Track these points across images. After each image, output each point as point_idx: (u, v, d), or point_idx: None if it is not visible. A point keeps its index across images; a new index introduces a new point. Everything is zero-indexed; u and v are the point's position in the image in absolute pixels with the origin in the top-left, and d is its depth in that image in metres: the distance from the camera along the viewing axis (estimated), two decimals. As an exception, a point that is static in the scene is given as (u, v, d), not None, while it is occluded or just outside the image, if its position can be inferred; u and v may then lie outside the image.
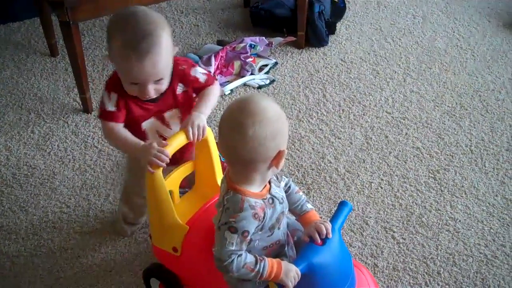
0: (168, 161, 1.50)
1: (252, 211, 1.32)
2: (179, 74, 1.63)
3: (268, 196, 1.38)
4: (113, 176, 2.22)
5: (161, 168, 1.53)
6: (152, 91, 1.56)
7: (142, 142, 1.57)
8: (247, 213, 1.32)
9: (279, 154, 1.32)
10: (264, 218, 1.35)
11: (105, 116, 1.61)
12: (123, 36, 1.48)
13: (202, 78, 1.67)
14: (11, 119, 2.51)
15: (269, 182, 1.41)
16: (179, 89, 1.64)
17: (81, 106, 2.54)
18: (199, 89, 1.68)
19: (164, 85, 1.58)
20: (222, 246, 1.33)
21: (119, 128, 1.62)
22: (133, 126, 1.64)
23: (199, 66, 1.75)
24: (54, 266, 1.92)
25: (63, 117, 2.51)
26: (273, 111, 1.30)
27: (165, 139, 1.59)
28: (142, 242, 1.97)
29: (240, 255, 1.33)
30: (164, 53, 1.50)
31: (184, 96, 1.66)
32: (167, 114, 1.66)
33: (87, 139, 2.39)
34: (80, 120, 2.49)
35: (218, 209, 1.39)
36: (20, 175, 2.24)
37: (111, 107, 1.60)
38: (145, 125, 1.66)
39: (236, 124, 1.29)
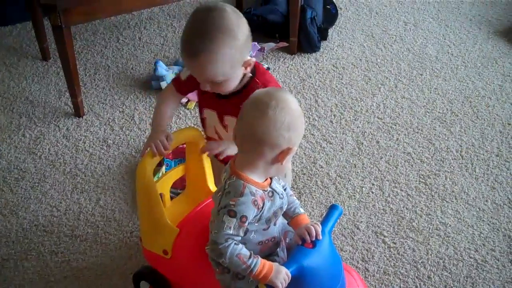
0: (164, 154, 1.54)
1: (252, 197, 1.34)
2: (251, 90, 1.51)
3: (269, 189, 1.40)
4: (104, 180, 2.22)
5: (155, 160, 1.54)
6: (208, 87, 1.53)
7: (163, 127, 1.59)
8: (247, 198, 1.33)
9: (288, 150, 1.34)
10: (263, 207, 1.37)
11: (174, 79, 1.67)
12: (187, 27, 1.48)
13: None
14: (2, 122, 2.50)
15: (271, 178, 1.42)
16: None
17: (73, 110, 2.54)
18: None
19: (224, 88, 1.53)
20: (220, 229, 1.34)
21: (171, 97, 1.65)
22: (199, 108, 1.68)
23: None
24: (44, 270, 1.91)
25: (55, 121, 2.50)
26: (297, 107, 1.35)
27: (221, 138, 1.64)
28: (132, 245, 1.97)
29: (236, 243, 1.34)
30: (216, 60, 1.44)
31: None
32: (226, 118, 1.63)
33: (78, 143, 2.39)
34: (72, 124, 2.49)
35: (216, 198, 1.40)
36: (10, 179, 2.23)
37: (183, 76, 1.63)
38: (206, 113, 1.66)
39: (260, 102, 1.33)
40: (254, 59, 1.55)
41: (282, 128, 1.31)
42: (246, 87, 1.57)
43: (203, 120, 1.68)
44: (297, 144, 1.37)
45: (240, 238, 1.36)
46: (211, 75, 1.48)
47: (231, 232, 1.33)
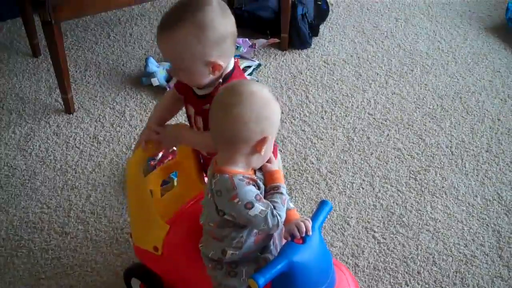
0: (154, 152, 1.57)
1: (243, 182, 1.33)
2: (214, 94, 1.45)
3: (255, 177, 1.39)
4: (95, 176, 2.22)
5: (145, 156, 1.55)
6: (174, 73, 1.53)
7: (154, 121, 1.60)
8: (241, 185, 1.32)
9: (264, 140, 1.32)
10: (259, 187, 1.36)
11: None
12: (172, 5, 1.46)
13: None
14: (-8, 119, 2.49)
15: (255, 171, 1.40)
16: (207, 106, 1.48)
17: (63, 107, 2.53)
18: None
19: (188, 80, 1.50)
20: (259, 223, 1.33)
21: (170, 96, 1.64)
22: (185, 103, 1.63)
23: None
24: (35, 267, 1.91)
25: (45, 118, 2.49)
26: (261, 96, 1.32)
27: None
28: (123, 242, 1.97)
29: (271, 210, 1.33)
30: (176, 43, 1.41)
31: (206, 113, 1.50)
32: (197, 118, 1.56)
33: (69, 140, 2.38)
34: (62, 120, 2.48)
35: (207, 202, 1.39)
36: (0, 176, 2.23)
37: None
38: (190, 111, 1.60)
39: (222, 102, 1.32)
40: (228, 67, 1.48)
41: (250, 123, 1.29)
42: (213, 92, 1.49)
43: (189, 117, 1.66)
44: (274, 131, 1.35)
45: (270, 204, 1.34)
46: (170, 57, 1.48)
47: (267, 211, 1.32)
